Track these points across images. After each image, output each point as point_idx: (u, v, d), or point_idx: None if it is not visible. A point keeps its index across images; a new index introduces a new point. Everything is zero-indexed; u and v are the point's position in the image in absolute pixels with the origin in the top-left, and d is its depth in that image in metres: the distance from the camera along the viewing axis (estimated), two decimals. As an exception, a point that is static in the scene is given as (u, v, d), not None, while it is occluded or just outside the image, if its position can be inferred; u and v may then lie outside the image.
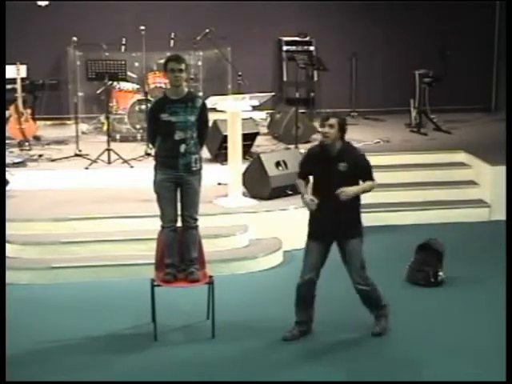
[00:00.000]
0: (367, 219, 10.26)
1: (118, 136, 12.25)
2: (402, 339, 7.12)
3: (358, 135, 12.64)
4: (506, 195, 9.41)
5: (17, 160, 10.65)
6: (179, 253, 7.38)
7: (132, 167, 10.57)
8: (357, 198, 6.95)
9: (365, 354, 6.87)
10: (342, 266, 7.11)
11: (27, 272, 8.50)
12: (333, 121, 6.78)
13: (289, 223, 9.48)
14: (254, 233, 9.25)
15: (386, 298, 7.21)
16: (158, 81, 12.55)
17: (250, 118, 10.95)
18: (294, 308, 7.20)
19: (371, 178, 6.98)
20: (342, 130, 6.84)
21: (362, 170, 6.95)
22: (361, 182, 6.96)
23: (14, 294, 7.82)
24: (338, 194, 6.72)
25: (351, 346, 7.02)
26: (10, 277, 8.19)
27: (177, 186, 7.31)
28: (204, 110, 7.38)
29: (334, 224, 6.89)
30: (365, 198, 10.51)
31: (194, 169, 7.31)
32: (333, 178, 6.82)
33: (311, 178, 7.06)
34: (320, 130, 6.90)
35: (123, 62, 11.13)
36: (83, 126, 12.81)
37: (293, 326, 7.19)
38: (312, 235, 7.05)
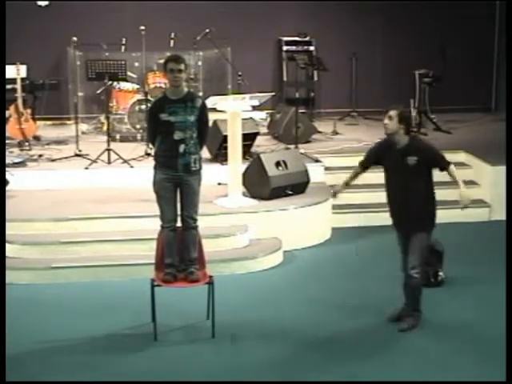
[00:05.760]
0: (367, 219, 10.40)
1: (117, 136, 12.25)
2: (402, 339, 7.14)
3: (358, 135, 12.67)
4: (506, 195, 9.41)
5: (17, 160, 10.64)
6: (179, 253, 7.38)
7: (132, 167, 10.56)
8: (426, 193, 7.14)
9: (363, 348, 6.89)
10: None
11: (27, 272, 8.50)
12: (392, 113, 7.06)
13: (289, 223, 9.49)
14: (254, 233, 9.25)
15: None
16: (158, 81, 12.55)
17: (250, 117, 10.95)
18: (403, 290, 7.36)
19: (447, 163, 7.12)
20: (403, 122, 7.03)
21: (435, 161, 7.11)
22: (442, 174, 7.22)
23: (14, 294, 7.82)
24: (464, 205, 7.15)
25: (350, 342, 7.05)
26: (10, 277, 8.20)
27: (176, 186, 7.31)
28: (204, 110, 7.38)
29: (404, 217, 7.14)
30: (364, 199, 10.63)
31: (194, 169, 7.31)
32: (401, 172, 7.04)
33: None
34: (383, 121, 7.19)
35: (123, 62, 11.13)
36: (83, 126, 12.81)
37: (401, 306, 7.36)
38: (393, 226, 7.33)
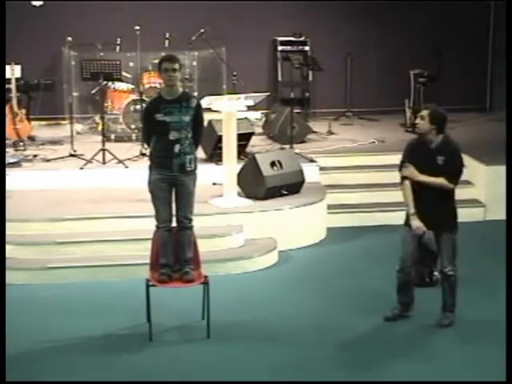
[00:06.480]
0: (361, 219, 10.40)
1: (112, 136, 12.23)
2: (399, 338, 7.14)
3: (353, 135, 12.67)
4: (506, 195, 9.40)
5: (12, 160, 10.62)
6: (174, 253, 7.38)
7: (127, 167, 10.55)
8: (451, 192, 7.12)
9: (360, 348, 6.89)
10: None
11: (23, 272, 8.50)
12: (424, 112, 7.04)
13: (284, 223, 9.50)
14: (249, 233, 9.25)
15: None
16: (153, 81, 12.53)
17: (245, 117, 10.95)
18: (396, 291, 7.39)
19: (451, 179, 7.05)
20: (435, 122, 6.99)
21: (450, 167, 7.04)
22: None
23: (9, 294, 7.79)
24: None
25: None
26: (6, 277, 8.18)
27: (171, 186, 7.31)
28: (199, 111, 7.38)
29: (430, 216, 7.07)
30: (359, 199, 10.65)
31: (189, 169, 7.31)
32: (431, 171, 7.00)
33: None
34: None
35: (118, 62, 11.12)
36: (78, 126, 12.79)
37: (395, 306, 7.41)
38: (409, 224, 7.21)
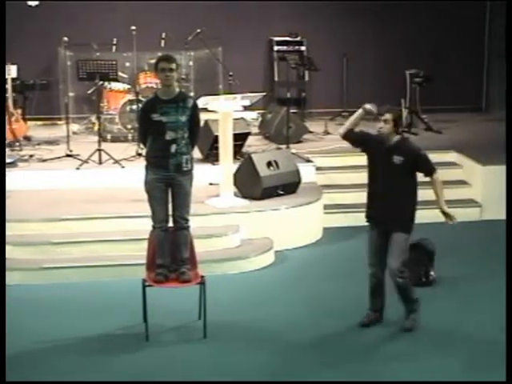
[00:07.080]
0: (357, 219, 10.36)
1: (109, 136, 12.23)
2: (397, 340, 7.15)
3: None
4: (506, 195, 9.40)
5: (8, 160, 10.60)
6: (171, 253, 7.37)
7: (123, 167, 10.55)
8: (408, 193, 7.09)
9: (356, 348, 6.89)
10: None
11: (18, 272, 8.48)
12: (388, 116, 7.05)
13: (280, 223, 9.50)
14: (246, 233, 9.25)
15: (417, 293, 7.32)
16: (149, 81, 12.53)
17: (242, 118, 10.95)
18: (368, 296, 7.34)
19: (433, 171, 7.11)
20: (398, 124, 7.06)
21: (421, 165, 7.09)
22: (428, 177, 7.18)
23: (8, 295, 7.73)
24: (451, 222, 7.18)
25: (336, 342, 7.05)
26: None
27: (168, 186, 7.30)
28: (195, 111, 7.38)
29: (383, 214, 7.09)
30: (355, 199, 10.64)
31: (185, 169, 7.31)
32: (387, 170, 7.02)
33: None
34: (377, 124, 7.13)
35: (114, 62, 11.11)
36: (74, 126, 12.78)
37: (367, 312, 7.35)
38: (368, 223, 7.27)
